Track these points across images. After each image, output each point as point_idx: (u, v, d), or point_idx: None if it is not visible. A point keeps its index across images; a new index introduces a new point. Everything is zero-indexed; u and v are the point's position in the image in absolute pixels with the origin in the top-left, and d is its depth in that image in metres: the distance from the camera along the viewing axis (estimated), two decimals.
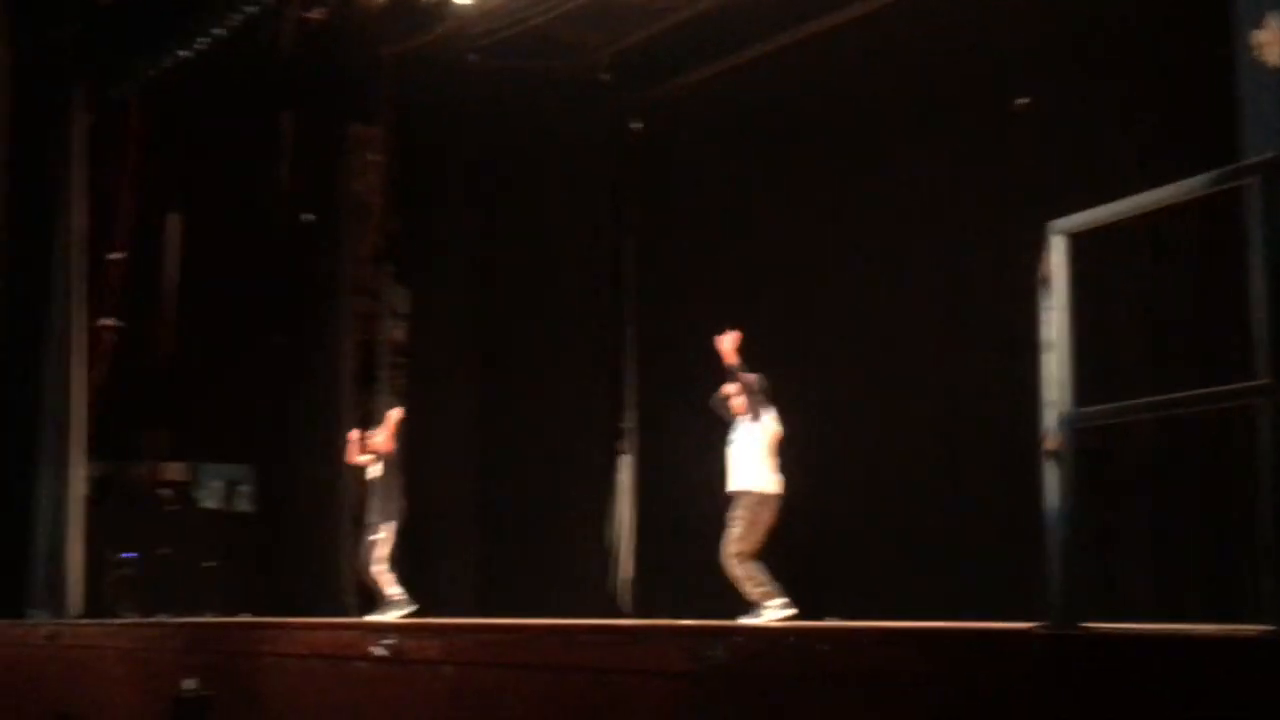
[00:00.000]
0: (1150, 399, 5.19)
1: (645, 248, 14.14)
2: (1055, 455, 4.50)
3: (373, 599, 11.37)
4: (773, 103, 12.51)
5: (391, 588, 11.10)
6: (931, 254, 11.12)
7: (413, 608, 11.01)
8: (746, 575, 9.21)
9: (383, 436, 11.41)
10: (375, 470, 11.37)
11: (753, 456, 9.40)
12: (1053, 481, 4.55)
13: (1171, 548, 8.76)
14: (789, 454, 9.58)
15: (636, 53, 13.40)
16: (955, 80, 10.97)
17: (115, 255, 13.29)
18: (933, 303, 10.98)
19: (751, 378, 9.36)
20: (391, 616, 10.77)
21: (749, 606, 9.25)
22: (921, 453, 10.92)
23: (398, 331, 14.76)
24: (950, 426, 10.74)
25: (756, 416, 9.44)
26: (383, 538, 11.16)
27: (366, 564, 11.22)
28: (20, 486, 12.06)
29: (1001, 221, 10.11)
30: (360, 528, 11.69)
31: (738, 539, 9.27)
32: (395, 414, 11.67)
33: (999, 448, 9.88)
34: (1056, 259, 4.37)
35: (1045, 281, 4.51)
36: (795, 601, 9.42)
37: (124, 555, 12.97)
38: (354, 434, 11.78)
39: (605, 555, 13.84)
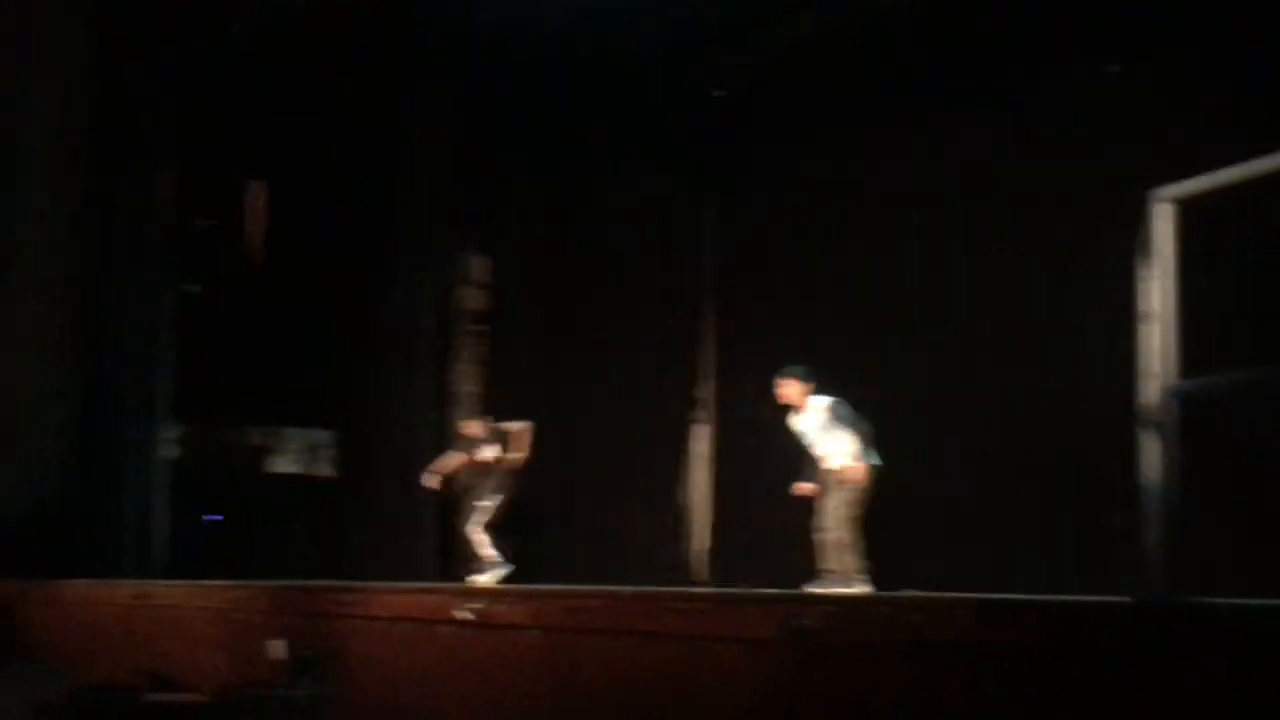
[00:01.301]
0: (1257, 370, 5.11)
1: (724, 216, 14.07)
2: (1158, 426, 4.45)
3: (464, 562, 11.50)
4: (854, 72, 12.39)
5: (486, 549, 11.22)
6: (1017, 223, 10.99)
7: (508, 569, 11.12)
8: (849, 545, 9.16)
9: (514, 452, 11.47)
10: (489, 451, 11.49)
11: (830, 447, 9.34)
12: (1154, 453, 4.50)
13: (1270, 525, 8.65)
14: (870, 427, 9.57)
15: (719, 21, 13.30)
16: (1048, 45, 10.81)
17: (201, 222, 13.44)
18: (1018, 272, 10.85)
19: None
20: (487, 578, 10.90)
21: (819, 575, 9.23)
22: (1006, 426, 10.81)
23: (475, 299, 14.84)
24: (1035, 399, 10.63)
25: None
26: (487, 505, 11.29)
27: (467, 526, 11.36)
28: (109, 448, 12.26)
29: (1093, 188, 9.98)
30: (465, 494, 11.82)
31: (837, 507, 9.22)
32: (523, 430, 11.63)
33: (1084, 420, 9.78)
34: (1162, 227, 4.31)
35: (1145, 250, 4.45)
36: (872, 574, 9.41)
37: (208, 518, 13.15)
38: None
39: (681, 524, 13.86)
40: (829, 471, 9.32)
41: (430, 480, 11.83)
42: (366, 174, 14.43)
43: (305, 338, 14.24)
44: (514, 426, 11.53)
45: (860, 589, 9.06)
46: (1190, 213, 4.29)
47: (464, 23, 13.29)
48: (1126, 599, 4.57)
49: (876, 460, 9.26)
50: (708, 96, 14.01)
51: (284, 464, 14.69)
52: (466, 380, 14.43)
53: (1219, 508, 8.34)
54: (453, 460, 11.78)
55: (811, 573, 9.35)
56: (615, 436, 14.04)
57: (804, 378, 9.55)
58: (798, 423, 9.53)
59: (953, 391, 11.30)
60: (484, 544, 11.29)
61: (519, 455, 11.39)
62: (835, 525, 9.22)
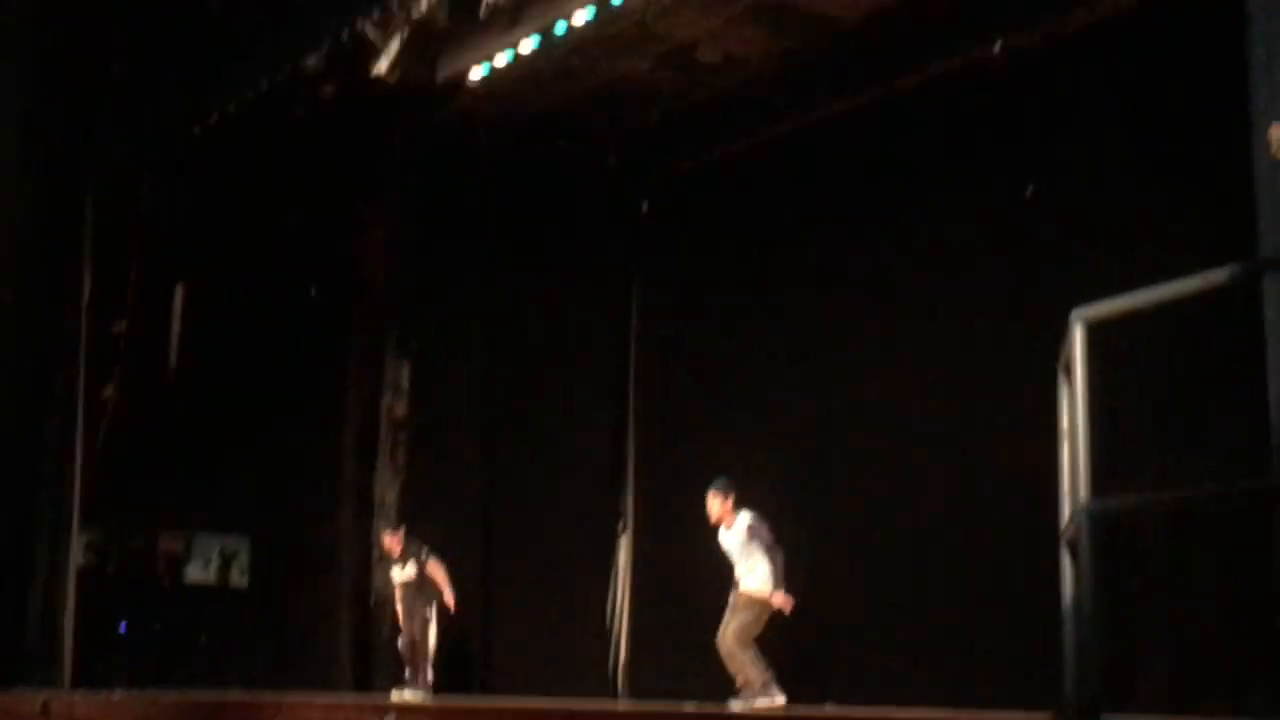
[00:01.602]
0: (1168, 492, 5.17)
1: (651, 329, 14.16)
2: (1072, 545, 4.46)
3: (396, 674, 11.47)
4: (784, 186, 12.58)
5: (426, 667, 11.25)
6: (946, 341, 11.12)
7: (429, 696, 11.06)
8: (750, 659, 9.19)
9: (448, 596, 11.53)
10: (408, 573, 11.52)
11: (749, 564, 9.44)
12: (1069, 572, 4.51)
13: (1189, 640, 8.71)
14: (791, 540, 9.60)
15: (646, 135, 13.51)
16: (971, 167, 11.04)
17: (119, 324, 13.29)
18: (947, 389, 10.97)
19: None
20: (410, 695, 10.84)
21: (738, 690, 9.21)
22: (931, 539, 10.86)
23: (399, 406, 14.75)
24: (960, 514, 10.69)
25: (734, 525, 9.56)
26: (427, 619, 11.38)
27: (420, 642, 11.34)
28: (17, 553, 11.98)
29: (1016, 309, 10.15)
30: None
31: (740, 625, 9.27)
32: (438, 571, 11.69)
33: (1009, 536, 9.84)
34: (1077, 347, 4.36)
35: (1066, 369, 4.50)
36: (794, 688, 9.37)
37: (119, 627, 12.87)
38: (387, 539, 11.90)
39: (605, 635, 13.74)
40: (739, 592, 9.44)
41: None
42: (292, 279, 14.37)
43: (224, 443, 14.06)
44: (435, 570, 11.54)
45: (777, 698, 9.05)
46: (1103, 333, 4.35)
47: (394, 137, 13.46)
48: (1047, 716, 4.56)
49: (781, 591, 9.29)
50: (636, 208, 14.19)
51: (198, 572, 14.43)
52: (388, 488, 14.29)
53: (1136, 624, 8.40)
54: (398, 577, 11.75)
55: (730, 688, 9.31)
56: (543, 545, 13.93)
57: (726, 491, 9.64)
58: (723, 538, 9.63)
59: (875, 506, 11.36)
60: (420, 661, 11.27)
61: (449, 597, 11.45)
62: (739, 641, 9.26)
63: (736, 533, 9.51)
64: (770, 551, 9.35)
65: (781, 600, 9.25)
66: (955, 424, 10.81)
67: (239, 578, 14.40)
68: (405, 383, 14.55)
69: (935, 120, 11.30)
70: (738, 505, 9.61)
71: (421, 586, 11.47)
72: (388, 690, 11.65)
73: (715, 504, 9.61)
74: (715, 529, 9.71)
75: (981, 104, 10.84)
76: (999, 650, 9.89)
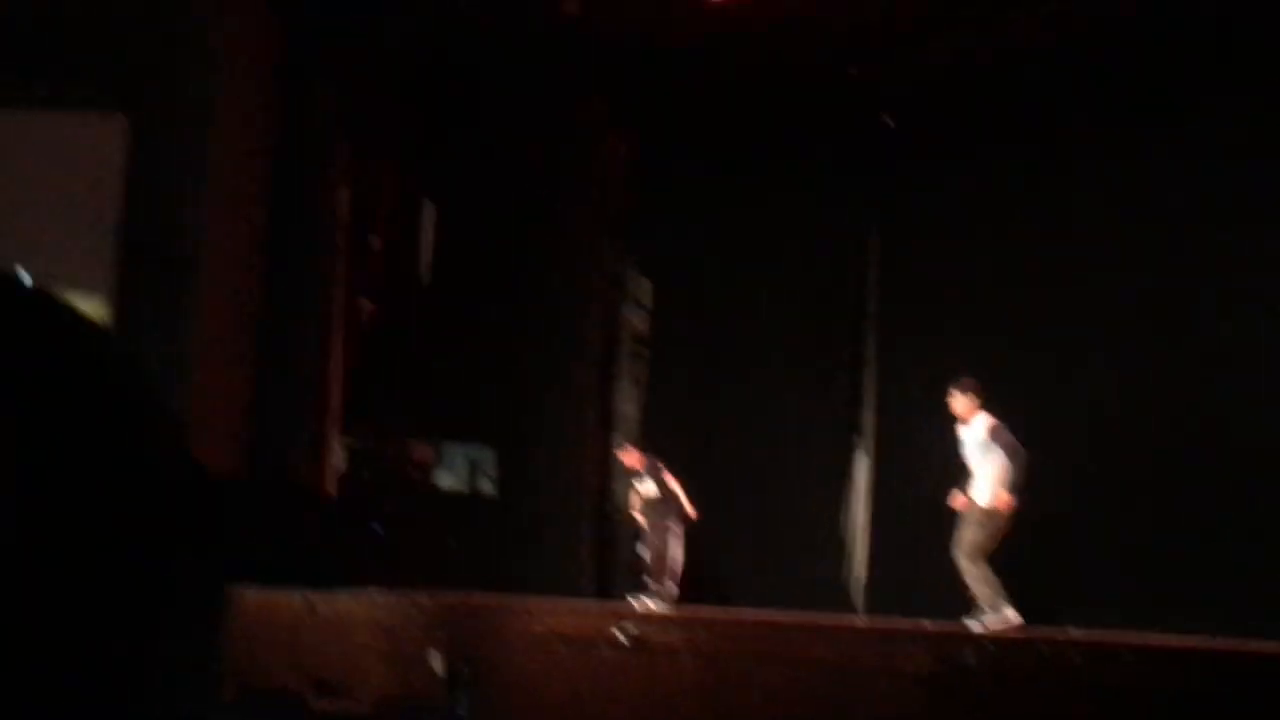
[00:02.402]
0: None
1: (889, 242, 13.99)
2: None
3: (628, 583, 11.72)
4: (1026, 97, 12.25)
5: (666, 579, 11.48)
6: (1167, 254, 10.77)
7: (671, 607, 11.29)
8: (981, 577, 9.14)
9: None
10: (648, 489, 11.75)
11: (984, 469, 9.38)
12: None
13: None
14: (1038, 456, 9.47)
15: (883, 44, 13.24)
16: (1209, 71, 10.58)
17: (375, 240, 13.75)
18: (1174, 303, 10.63)
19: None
20: (649, 603, 11.09)
21: (974, 609, 9.15)
22: (1180, 459, 10.58)
23: (639, 321, 14.95)
24: (1213, 435, 10.38)
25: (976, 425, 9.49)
26: (672, 530, 11.61)
27: (664, 554, 11.59)
28: (282, 457, 12.59)
29: (1229, 226, 9.77)
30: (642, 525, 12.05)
31: (972, 540, 9.21)
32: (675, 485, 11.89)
33: (1263, 458, 9.52)
34: None
35: None
36: (1038, 607, 9.28)
37: (374, 529, 13.41)
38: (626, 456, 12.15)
39: (840, 552, 13.77)
40: (973, 501, 9.36)
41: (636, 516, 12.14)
42: (534, 196, 14.63)
43: (471, 356, 14.47)
44: (673, 484, 11.71)
45: (1013, 619, 8.96)
46: None
47: (630, 44, 13.45)
48: None
49: (1021, 492, 9.22)
50: (873, 122, 13.95)
51: (447, 479, 14.93)
52: (628, 402, 14.54)
53: None
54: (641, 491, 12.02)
55: (966, 605, 9.27)
56: (777, 463, 14.00)
57: (971, 391, 9.67)
58: (962, 435, 9.68)
59: (1123, 418, 11.09)
60: (662, 572, 11.52)
61: (689, 508, 11.63)
62: (969, 557, 9.20)
63: (976, 431, 9.52)
64: (1011, 452, 9.30)
65: (1006, 502, 9.19)
66: (1211, 331, 10.47)
67: (487, 486, 14.84)
68: (646, 298, 14.73)
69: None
70: (981, 406, 9.62)
71: (663, 500, 11.66)
72: (626, 598, 11.92)
73: (959, 401, 9.70)
74: (955, 428, 9.72)
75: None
76: (1255, 576, 9.60)
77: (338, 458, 12.79)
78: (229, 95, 12.00)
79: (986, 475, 9.37)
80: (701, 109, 14.17)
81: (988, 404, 9.82)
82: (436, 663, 8.26)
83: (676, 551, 11.61)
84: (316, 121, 12.95)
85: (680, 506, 11.65)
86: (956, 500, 9.55)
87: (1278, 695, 3.96)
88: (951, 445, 9.95)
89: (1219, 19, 10.67)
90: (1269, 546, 9.41)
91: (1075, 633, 8.78)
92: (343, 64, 13.09)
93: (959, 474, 9.83)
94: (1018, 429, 9.81)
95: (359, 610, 9.76)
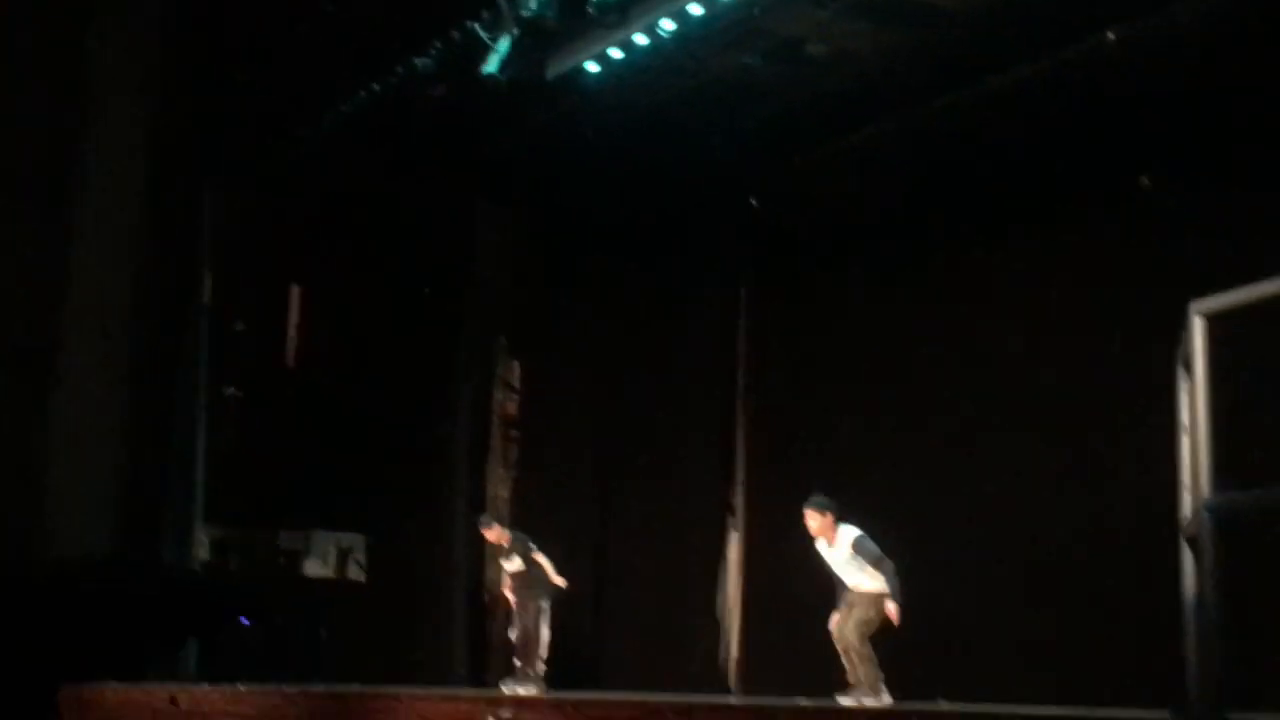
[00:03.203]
0: None
1: (761, 325, 14.13)
2: (1193, 541, 4.42)
3: (502, 668, 11.55)
4: (894, 181, 12.49)
5: (534, 660, 11.28)
6: (1063, 338, 10.99)
7: (542, 688, 11.13)
8: (868, 656, 9.11)
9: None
10: (515, 565, 11.59)
11: (858, 580, 9.29)
12: (1191, 568, 4.46)
13: None
14: (905, 537, 9.54)
15: (754, 131, 13.47)
16: (1081, 160, 10.89)
17: (240, 326, 13.58)
18: (1062, 386, 10.84)
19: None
20: (522, 689, 10.91)
21: (848, 686, 9.15)
22: (1046, 535, 10.74)
23: (510, 405, 14.91)
24: (1077, 510, 10.56)
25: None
26: (538, 610, 11.40)
27: (533, 635, 11.38)
28: (144, 549, 12.30)
29: (1133, 303, 10.00)
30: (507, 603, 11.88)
31: (862, 618, 9.17)
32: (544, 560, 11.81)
33: (1127, 532, 9.71)
34: (1196, 340, 4.31)
35: (1185, 364, 4.45)
36: (908, 685, 9.31)
37: (241, 620, 13.14)
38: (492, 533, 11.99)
39: (716, 630, 13.76)
40: (856, 591, 9.25)
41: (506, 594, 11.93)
42: (405, 279, 14.58)
43: (340, 441, 14.30)
44: (540, 559, 11.59)
45: (885, 700, 8.98)
46: (1224, 326, 4.29)
47: (509, 137, 13.54)
48: (1166, 715, 4.51)
49: (897, 598, 9.15)
50: (747, 208, 14.12)
51: (316, 567, 14.68)
52: (499, 485, 14.46)
53: (1260, 623, 8.25)
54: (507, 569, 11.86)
55: (838, 683, 9.28)
56: (653, 541, 13.98)
57: (827, 509, 9.41)
58: (826, 553, 9.41)
59: (989, 502, 11.24)
60: (532, 654, 11.34)
61: (557, 579, 11.48)
62: (860, 635, 9.16)
63: (840, 550, 9.27)
64: (878, 565, 9.11)
65: (894, 612, 9.08)
66: (1072, 420, 10.68)
67: (358, 573, 14.63)
68: (516, 381, 14.71)
69: (1047, 111, 11.16)
70: (839, 520, 9.35)
71: (531, 578, 11.53)
72: (499, 684, 11.77)
73: (814, 521, 9.23)
74: (819, 556, 9.52)
75: (1094, 94, 10.69)
76: (1117, 648, 9.76)
77: (203, 547, 12.50)
78: (92, 191, 11.85)
79: (862, 582, 9.24)
80: (572, 192, 14.28)
81: (854, 497, 9.69)
82: None
83: (544, 630, 11.46)
84: (180, 212, 12.83)
85: (548, 580, 11.51)
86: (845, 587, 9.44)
87: None
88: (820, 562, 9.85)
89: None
90: (1135, 618, 9.57)
91: (946, 705, 8.83)
92: (211, 150, 13.00)
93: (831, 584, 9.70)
94: (886, 512, 9.84)
95: (223, 703, 9.51)
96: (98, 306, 12.11)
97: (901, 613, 9.06)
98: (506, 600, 11.94)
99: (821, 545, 9.35)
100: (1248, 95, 9.73)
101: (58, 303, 11.63)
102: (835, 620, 9.32)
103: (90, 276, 11.93)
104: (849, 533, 9.21)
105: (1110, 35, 10.37)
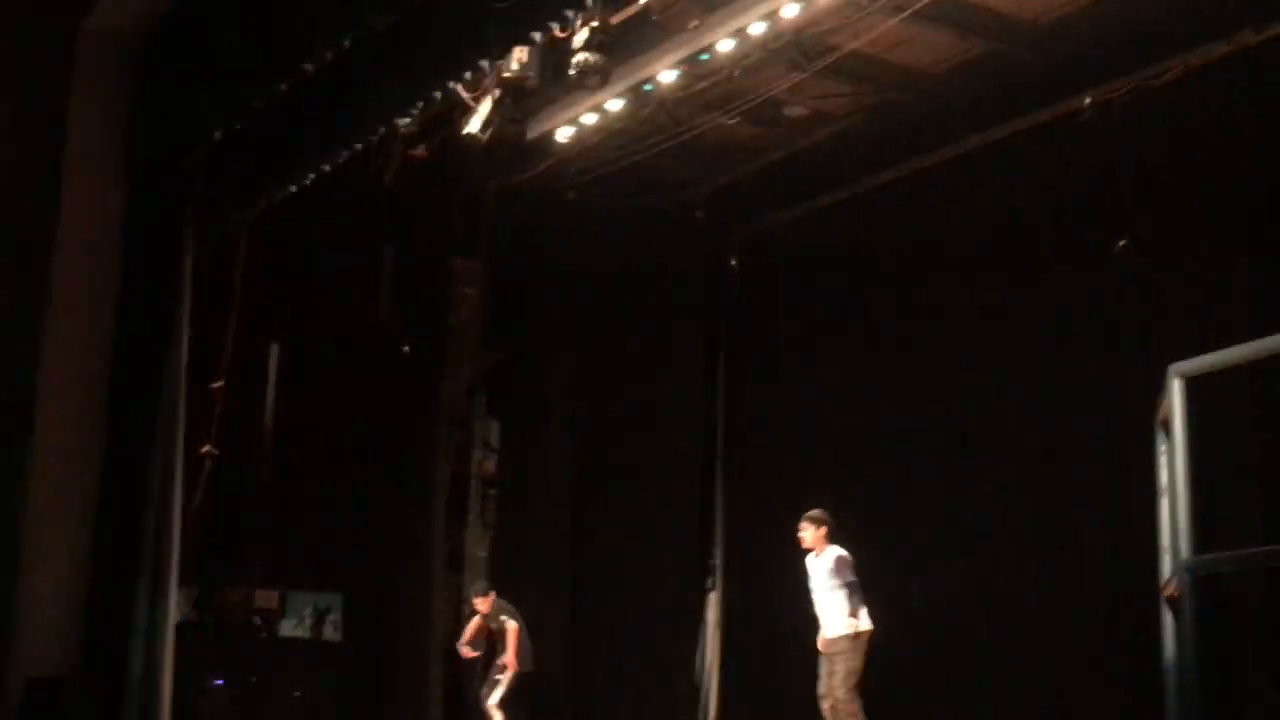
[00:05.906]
0: (1273, 547, 5.08)
1: (737, 383, 14.15)
2: (1174, 603, 4.42)
3: None
4: (871, 240, 12.57)
5: None
6: (1033, 396, 11.03)
7: None
8: (858, 713, 9.27)
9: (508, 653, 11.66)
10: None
11: (834, 598, 9.56)
12: (1170, 630, 4.45)
13: None
14: (888, 592, 9.56)
15: (733, 191, 13.56)
16: (1058, 221, 10.98)
17: (216, 384, 13.49)
18: (1042, 442, 10.88)
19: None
20: None
21: None
22: (1025, 595, 10.74)
23: (488, 463, 14.84)
24: (1055, 569, 10.56)
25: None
26: (503, 678, 11.42)
27: (486, 699, 11.39)
28: (118, 608, 12.16)
29: (1114, 363, 10.06)
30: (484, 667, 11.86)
31: (848, 670, 9.30)
32: (513, 629, 11.84)
33: (1107, 593, 9.71)
34: (1175, 401, 4.32)
35: (1164, 425, 4.46)
36: None
37: (213, 682, 13.00)
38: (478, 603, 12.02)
39: (694, 691, 13.67)
40: (829, 639, 9.53)
41: (466, 650, 11.97)
42: (383, 338, 14.54)
43: (316, 501, 14.21)
44: (508, 625, 11.63)
45: None
46: (1202, 388, 4.31)
47: (484, 195, 13.60)
48: None
49: (867, 625, 9.43)
50: (727, 267, 14.19)
51: (292, 628, 14.54)
52: (477, 545, 14.37)
53: (1239, 685, 8.23)
54: (473, 627, 11.86)
55: None
56: (631, 601, 13.91)
57: (822, 522, 9.98)
58: (811, 566, 9.85)
59: (966, 561, 11.24)
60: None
61: (509, 657, 11.58)
62: (849, 690, 9.27)
63: (825, 561, 9.69)
64: (850, 588, 9.46)
65: (865, 625, 9.44)
66: (1050, 477, 10.71)
67: (333, 633, 14.49)
68: (495, 440, 14.65)
69: (1024, 173, 11.26)
70: (830, 537, 9.93)
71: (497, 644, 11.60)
72: None
73: (807, 532, 9.97)
74: (804, 569, 9.90)
75: (1072, 156, 10.78)
76: (1097, 709, 9.73)
77: (176, 608, 12.36)
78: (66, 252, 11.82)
79: (837, 604, 9.60)
80: (551, 251, 14.32)
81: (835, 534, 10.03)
82: None
83: (494, 697, 11.51)
84: (159, 271, 12.76)
85: (504, 653, 11.60)
86: (821, 642, 9.67)
87: None
88: (801, 580, 10.04)
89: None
90: (1114, 678, 9.54)
91: None
92: (188, 212, 12.96)
93: (809, 611, 9.90)
94: (867, 571, 9.95)
95: None
96: (70, 367, 12.02)
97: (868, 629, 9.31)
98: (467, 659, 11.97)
99: (810, 558, 9.92)
100: (1223, 161, 9.83)
101: (30, 368, 11.56)
102: (821, 687, 9.49)
103: (65, 333, 11.85)
104: (836, 549, 9.76)
105: (1088, 100, 10.49)
